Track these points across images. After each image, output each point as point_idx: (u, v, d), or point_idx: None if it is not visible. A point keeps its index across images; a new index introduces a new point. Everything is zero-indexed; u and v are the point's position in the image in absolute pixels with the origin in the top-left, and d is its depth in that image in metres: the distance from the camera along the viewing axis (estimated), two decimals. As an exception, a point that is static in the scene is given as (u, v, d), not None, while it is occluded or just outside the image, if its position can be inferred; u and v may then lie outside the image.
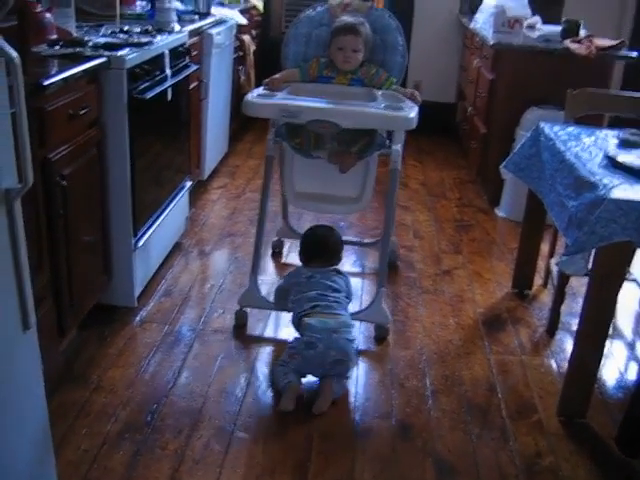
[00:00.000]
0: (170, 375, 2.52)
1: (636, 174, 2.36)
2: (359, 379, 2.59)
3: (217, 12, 4.27)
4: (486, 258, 3.70)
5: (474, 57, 4.91)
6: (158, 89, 2.79)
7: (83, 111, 2.35)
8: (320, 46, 3.07)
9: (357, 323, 2.83)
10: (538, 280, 3.38)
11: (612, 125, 3.13)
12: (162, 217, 3.12)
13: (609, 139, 2.79)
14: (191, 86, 3.62)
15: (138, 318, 2.88)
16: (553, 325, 3.00)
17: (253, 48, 5.08)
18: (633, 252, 2.53)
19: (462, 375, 2.67)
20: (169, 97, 3.03)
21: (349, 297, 2.73)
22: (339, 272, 2.75)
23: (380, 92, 2.89)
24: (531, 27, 4.76)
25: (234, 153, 5.05)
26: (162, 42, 2.94)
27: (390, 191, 2.86)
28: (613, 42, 4.06)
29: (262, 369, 2.61)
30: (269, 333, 2.88)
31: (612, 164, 2.45)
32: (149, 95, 2.67)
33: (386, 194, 2.89)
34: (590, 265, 2.32)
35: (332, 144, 2.87)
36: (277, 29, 5.97)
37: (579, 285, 3.30)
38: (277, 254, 3.57)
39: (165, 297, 3.06)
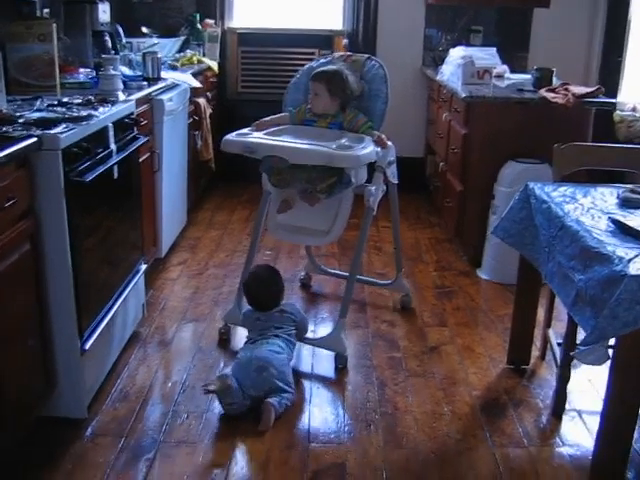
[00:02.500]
0: (127, 505, 2.14)
1: (649, 240, 2.08)
2: (349, 492, 2.24)
3: (168, 76, 3.97)
4: (474, 329, 3.38)
5: (442, 110, 4.68)
6: (101, 169, 2.45)
7: (10, 202, 2.01)
8: None
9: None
10: (534, 351, 3.07)
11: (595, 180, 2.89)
12: (115, 308, 2.76)
13: (607, 198, 2.53)
14: (142, 158, 3.29)
15: (89, 431, 2.48)
16: (559, 407, 2.68)
17: (209, 111, 4.79)
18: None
19: (466, 477, 2.33)
20: (115, 175, 2.69)
21: (299, 329, 2.96)
22: (284, 311, 2.94)
23: (350, 134, 3.03)
24: (499, 76, 4.56)
25: (194, 224, 4.70)
26: (104, 114, 2.62)
27: (362, 227, 3.13)
28: (590, 89, 3.85)
29: (235, 488, 2.25)
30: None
31: (620, 229, 2.17)
32: (89, 177, 2.33)
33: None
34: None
35: (301, 182, 3.03)
36: (233, 90, 5.71)
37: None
38: (305, 286, 3.83)
39: (120, 402, 2.67)
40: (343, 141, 2.90)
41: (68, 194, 2.25)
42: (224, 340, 3.16)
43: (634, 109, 5.35)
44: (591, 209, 2.38)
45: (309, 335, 3.12)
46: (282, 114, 3.28)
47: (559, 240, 2.33)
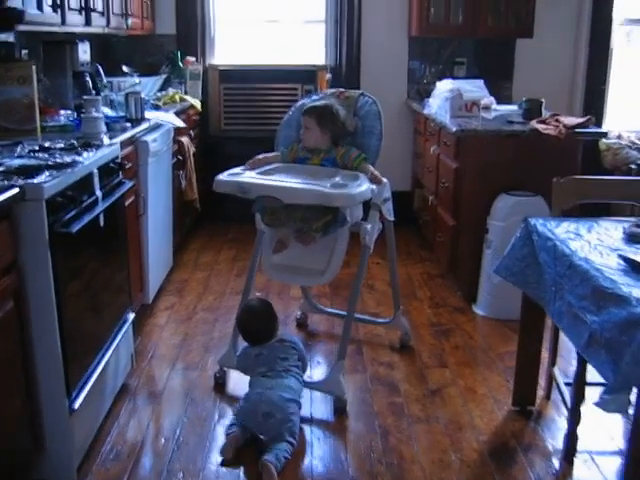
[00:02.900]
0: None
1: (664, 279, 2.00)
2: None
3: (152, 116, 3.88)
4: (475, 369, 3.27)
5: (430, 144, 4.61)
6: (87, 218, 2.34)
7: (-8, 258, 1.89)
8: None
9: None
10: (539, 390, 2.97)
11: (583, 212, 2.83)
12: (103, 362, 2.63)
13: (612, 233, 2.46)
14: (127, 202, 3.18)
15: (78, 496, 2.35)
16: (571, 450, 2.57)
17: (193, 150, 4.69)
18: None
19: (480, 531, 2.21)
20: (101, 223, 2.58)
21: (301, 360, 2.89)
22: (283, 340, 2.89)
23: (344, 172, 2.97)
24: (486, 108, 4.51)
25: (180, 266, 4.57)
26: (89, 160, 2.51)
27: (360, 266, 3.07)
28: (581, 120, 3.81)
29: None
30: None
31: (631, 267, 2.09)
32: (76, 228, 2.21)
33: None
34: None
35: (295, 222, 2.97)
36: (216, 127, 5.61)
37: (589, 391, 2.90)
38: (302, 325, 3.74)
39: (111, 461, 2.52)
40: (337, 179, 2.84)
41: (53, 246, 2.14)
42: (219, 385, 3.06)
43: (619, 137, 5.34)
44: (598, 246, 2.30)
45: (306, 378, 2.97)
46: (275, 153, 3.22)
47: (567, 279, 2.24)
